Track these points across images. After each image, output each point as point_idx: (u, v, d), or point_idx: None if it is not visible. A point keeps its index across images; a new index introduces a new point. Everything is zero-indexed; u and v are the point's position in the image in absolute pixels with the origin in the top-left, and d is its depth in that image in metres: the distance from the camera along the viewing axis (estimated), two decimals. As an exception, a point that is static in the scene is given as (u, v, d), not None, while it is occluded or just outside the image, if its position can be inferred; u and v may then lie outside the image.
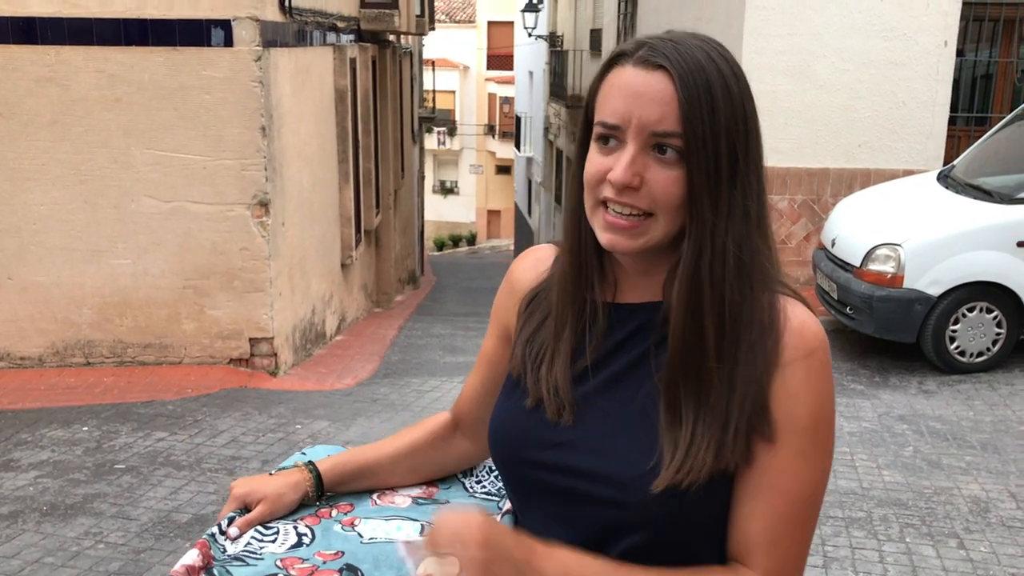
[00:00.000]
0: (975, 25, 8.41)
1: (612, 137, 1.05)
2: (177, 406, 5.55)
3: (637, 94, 1.02)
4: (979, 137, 7.52)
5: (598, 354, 1.13)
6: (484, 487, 1.39)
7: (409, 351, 8.31)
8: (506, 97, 34.98)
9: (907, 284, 5.91)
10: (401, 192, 13.32)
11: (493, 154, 36.90)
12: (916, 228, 6.09)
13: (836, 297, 6.39)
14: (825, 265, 6.64)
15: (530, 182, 26.44)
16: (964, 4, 7.87)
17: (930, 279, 5.89)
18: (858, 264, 6.14)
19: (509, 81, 33.41)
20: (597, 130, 1.06)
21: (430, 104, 25.28)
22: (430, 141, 31.79)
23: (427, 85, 22.82)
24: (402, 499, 1.34)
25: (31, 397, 5.76)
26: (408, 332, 9.54)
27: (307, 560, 1.18)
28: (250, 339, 6.39)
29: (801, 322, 1.07)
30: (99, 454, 4.72)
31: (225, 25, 5.97)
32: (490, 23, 36.07)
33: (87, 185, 6.17)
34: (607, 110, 1.05)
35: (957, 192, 6.45)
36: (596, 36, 16.15)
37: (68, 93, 6.05)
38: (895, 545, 3.70)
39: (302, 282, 7.21)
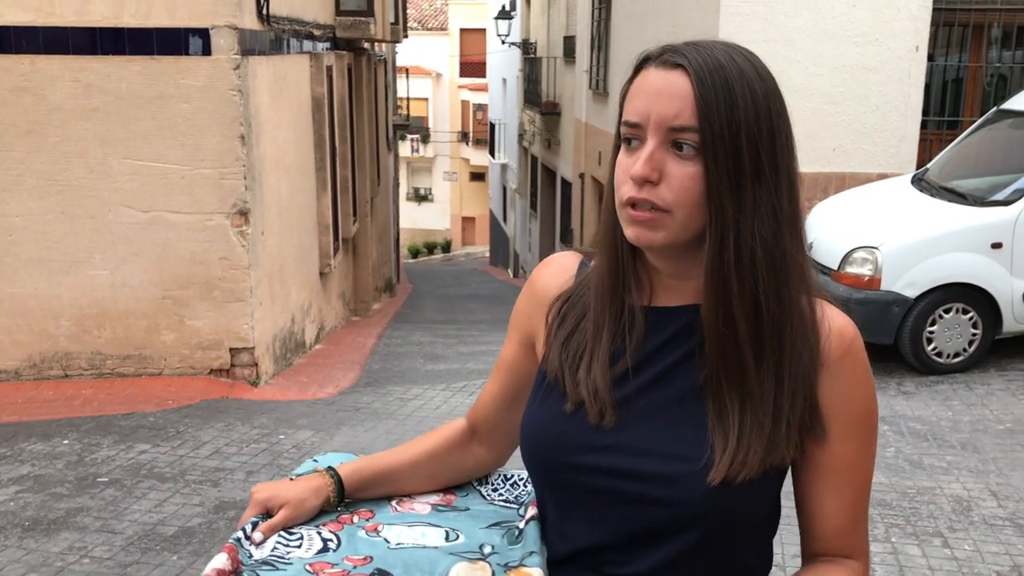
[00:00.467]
0: (945, 30, 8.54)
1: (635, 137, 1.07)
2: (158, 418, 5.50)
3: (656, 92, 1.05)
4: (951, 140, 7.63)
5: (638, 357, 1.14)
6: (501, 495, 1.38)
7: (389, 359, 8.29)
8: (479, 104, 35.01)
9: (884, 286, 5.98)
10: (377, 200, 13.30)
11: (467, 161, 36.92)
12: (893, 231, 6.17)
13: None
14: (803, 268, 6.70)
15: (505, 189, 26.48)
16: (934, 10, 7.99)
17: (907, 281, 5.97)
18: (836, 267, 6.20)
19: (482, 88, 33.46)
20: (622, 132, 1.09)
21: (404, 112, 25.25)
22: (404, 148, 31.76)
23: (400, 92, 22.81)
24: (421, 506, 1.34)
25: (8, 411, 5.68)
26: (387, 340, 9.52)
27: (337, 565, 1.17)
28: (230, 349, 6.35)
29: (841, 323, 1.11)
30: (81, 467, 4.67)
31: (203, 34, 5.94)
32: (462, 30, 36.12)
33: (64, 195, 6.11)
34: (629, 110, 1.08)
35: (932, 195, 6.54)
36: (570, 43, 16.22)
37: (44, 103, 5.99)
38: (881, 545, 3.74)
39: (282, 291, 7.18)
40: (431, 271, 24.37)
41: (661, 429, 1.10)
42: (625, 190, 1.07)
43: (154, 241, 6.19)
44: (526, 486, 1.40)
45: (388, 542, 1.22)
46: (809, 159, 8.12)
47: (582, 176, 14.65)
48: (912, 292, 5.96)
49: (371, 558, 1.19)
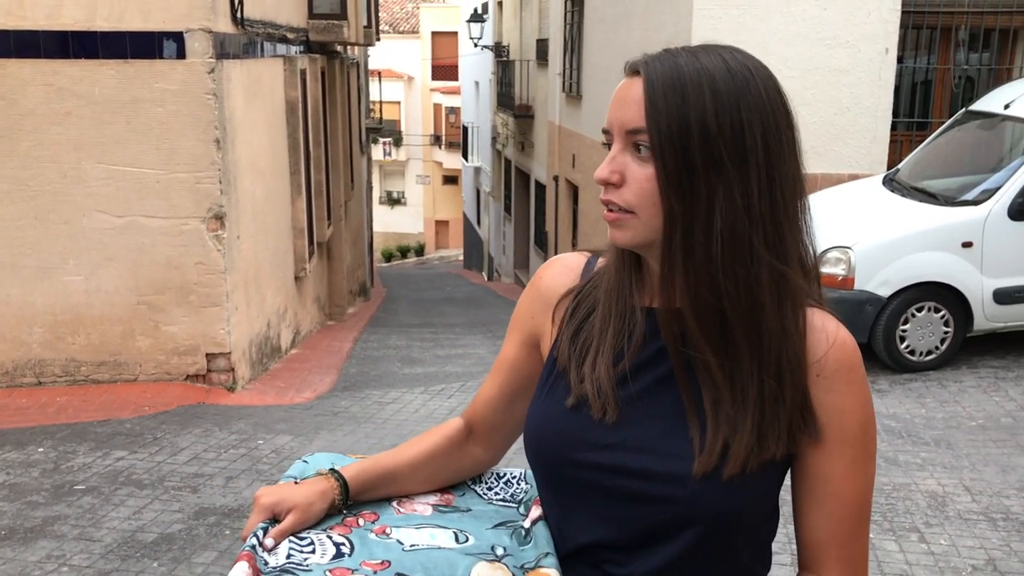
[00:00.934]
0: (914, 33, 8.65)
1: (607, 143, 1.12)
2: (135, 424, 5.46)
3: (620, 98, 1.10)
4: (921, 141, 7.74)
5: (639, 359, 1.15)
6: (498, 494, 1.38)
7: (366, 363, 8.27)
8: (451, 107, 35.01)
9: (858, 285, 6.05)
10: (351, 203, 13.26)
11: (440, 164, 36.89)
12: (865, 231, 6.25)
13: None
14: (777, 269, 6.76)
15: (479, 192, 26.48)
16: (903, 12, 8.10)
17: (880, 280, 6.05)
18: (810, 267, 6.26)
19: (454, 91, 33.45)
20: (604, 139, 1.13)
21: (377, 115, 25.19)
22: (376, 152, 31.66)
23: (373, 96, 22.75)
24: (422, 507, 1.33)
25: (-19, 419, 5.61)
26: (363, 344, 9.49)
27: (356, 571, 1.16)
28: (207, 354, 6.31)
29: (843, 336, 1.12)
30: (57, 475, 4.62)
31: (177, 37, 5.91)
32: (434, 33, 36.09)
33: (36, 201, 6.05)
34: (606, 118, 1.12)
35: (903, 195, 6.63)
36: (542, 46, 16.26)
37: (15, 107, 5.93)
38: (859, 541, 3.79)
39: (257, 296, 7.14)
40: (405, 275, 24.33)
41: (663, 427, 1.12)
42: (601, 192, 1.12)
43: (129, 246, 6.14)
44: (520, 484, 1.40)
45: (402, 544, 1.22)
46: (782, 160, 8.19)
47: (556, 179, 14.68)
48: (885, 291, 6.04)
49: (389, 562, 1.18)
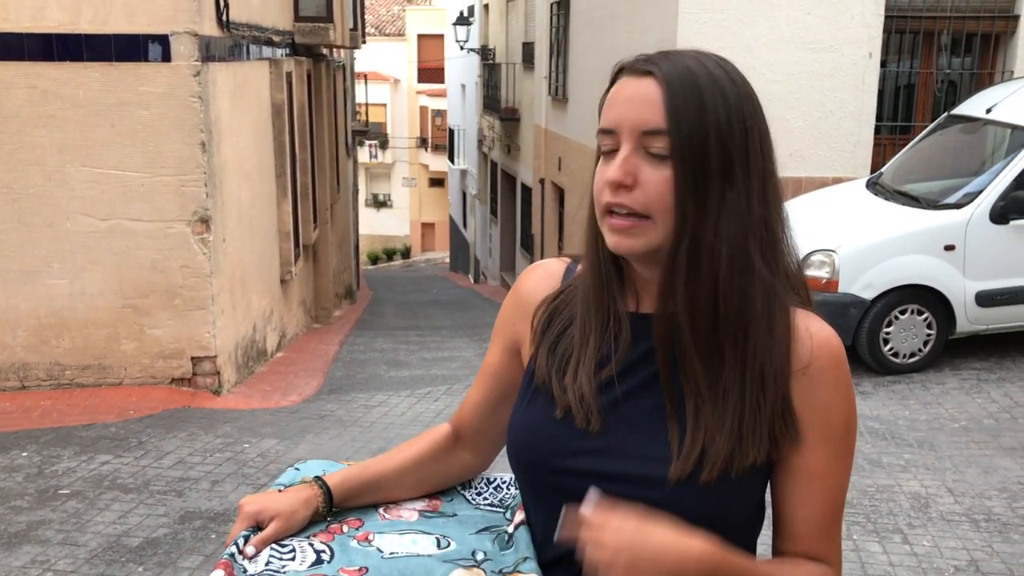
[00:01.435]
0: (897, 37, 8.71)
1: (611, 145, 1.10)
2: (120, 428, 5.43)
3: (628, 99, 1.08)
4: (904, 145, 7.80)
5: (624, 364, 1.15)
6: (486, 499, 1.39)
7: (352, 366, 8.26)
8: (438, 110, 35.00)
9: (842, 288, 6.09)
10: (337, 206, 13.24)
11: (426, 167, 36.87)
12: (849, 234, 6.29)
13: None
14: (762, 272, 6.80)
15: (465, 194, 26.48)
16: (886, 17, 8.16)
17: (864, 283, 6.09)
18: (794, 270, 6.30)
19: (440, 94, 33.44)
20: (599, 140, 1.12)
21: (363, 117, 25.16)
22: (362, 154, 31.61)
23: (359, 98, 22.72)
24: (409, 512, 1.34)
25: (-36, 423, 5.58)
26: (350, 347, 9.48)
27: None
28: (192, 358, 6.29)
29: (827, 334, 1.14)
30: (41, 480, 4.60)
31: (163, 40, 5.89)
32: (420, 36, 36.08)
33: (20, 204, 6.02)
34: (604, 118, 1.11)
35: (886, 199, 6.68)
36: (529, 49, 16.29)
37: (-2, 110, 5.90)
38: (843, 543, 3.80)
39: (243, 299, 7.13)
40: (391, 277, 24.31)
41: (647, 432, 1.13)
42: (604, 197, 1.09)
43: (113, 249, 6.11)
44: (509, 489, 1.41)
45: (381, 552, 1.22)
46: (766, 164, 8.23)
47: (542, 182, 14.70)
48: (869, 294, 6.08)
49: (366, 568, 1.18)
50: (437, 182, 36.32)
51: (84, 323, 6.19)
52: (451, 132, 27.83)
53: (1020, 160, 6.09)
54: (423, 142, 37.01)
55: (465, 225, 26.40)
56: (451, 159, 28.03)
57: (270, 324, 8.20)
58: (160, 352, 6.26)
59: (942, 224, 6.15)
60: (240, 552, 1.21)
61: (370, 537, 1.26)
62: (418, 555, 1.21)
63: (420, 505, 1.36)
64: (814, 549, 1.14)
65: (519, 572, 1.17)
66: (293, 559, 1.21)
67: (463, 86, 25.78)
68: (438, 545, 1.24)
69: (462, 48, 22.14)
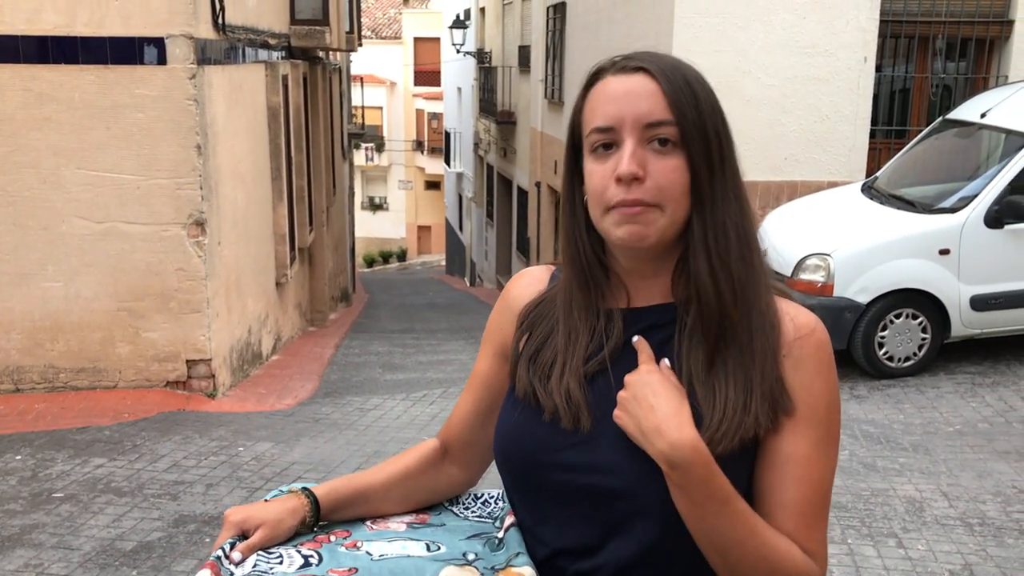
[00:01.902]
0: (892, 42, 8.73)
1: (609, 142, 1.11)
2: (114, 431, 5.42)
3: (625, 94, 1.10)
4: (899, 149, 7.81)
5: (617, 358, 1.16)
6: (475, 512, 1.38)
7: (348, 369, 8.25)
8: (434, 113, 34.99)
9: (837, 292, 6.10)
10: (333, 209, 13.23)
11: (422, 170, 36.86)
12: (844, 238, 6.30)
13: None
14: (758, 275, 6.81)
15: (461, 197, 26.48)
16: (881, 22, 8.18)
17: (859, 287, 6.10)
18: (789, 274, 6.31)
19: (437, 97, 33.44)
20: (592, 139, 1.12)
21: (359, 120, 25.15)
22: (358, 157, 31.61)
23: (355, 101, 22.72)
24: (397, 524, 1.33)
25: (-42, 426, 5.56)
26: (345, 350, 9.47)
27: None
28: (187, 361, 6.28)
29: (806, 317, 1.15)
30: (35, 483, 4.58)
31: (158, 43, 5.89)
32: (416, 39, 36.08)
33: (15, 207, 6.01)
34: (598, 116, 1.12)
35: (881, 203, 6.69)
36: (524, 53, 16.30)
37: (-7, 112, 5.89)
38: (838, 547, 3.81)
39: (238, 302, 7.12)
40: (387, 280, 24.29)
41: None
42: (612, 193, 1.10)
43: (109, 252, 6.10)
44: (498, 503, 1.39)
45: (371, 555, 1.21)
46: (761, 168, 8.26)
47: (538, 185, 14.71)
48: (864, 298, 6.09)
49: (356, 569, 1.18)
50: (433, 185, 36.31)
51: (79, 326, 6.18)
52: (447, 135, 27.82)
53: (1015, 164, 6.10)
54: (419, 145, 37.01)
55: (461, 228, 26.39)
56: (447, 162, 28.03)
57: (265, 327, 8.19)
58: (155, 355, 6.25)
59: (937, 228, 6.16)
60: (226, 557, 1.20)
61: (359, 544, 1.25)
62: (408, 555, 1.21)
63: (408, 519, 1.35)
64: (795, 539, 1.11)
65: (512, 566, 1.16)
66: (281, 563, 1.20)
67: (459, 89, 25.79)
68: (427, 549, 1.23)
69: (458, 51, 22.15)
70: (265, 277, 8.28)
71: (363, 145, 33.68)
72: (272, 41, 8.76)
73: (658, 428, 1.05)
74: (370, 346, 9.89)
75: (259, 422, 5.85)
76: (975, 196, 6.17)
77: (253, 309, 7.68)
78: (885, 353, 6.20)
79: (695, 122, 1.08)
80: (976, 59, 8.80)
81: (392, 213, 38.03)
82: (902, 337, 6.20)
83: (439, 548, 1.24)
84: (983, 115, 6.72)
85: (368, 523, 1.33)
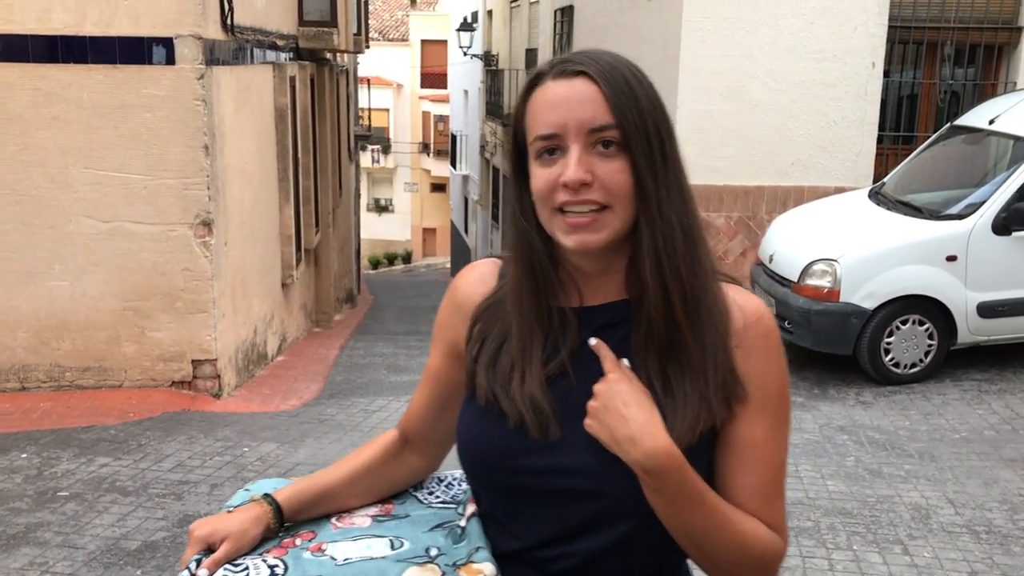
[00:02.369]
0: (900, 47, 8.73)
1: (554, 148, 1.12)
2: (119, 431, 5.43)
3: (566, 100, 1.11)
4: (906, 155, 7.80)
5: (574, 358, 1.18)
6: (438, 497, 1.40)
7: (353, 371, 8.25)
8: (440, 115, 35.00)
9: (843, 298, 6.09)
10: (339, 211, 13.24)
11: (428, 172, 36.87)
12: (851, 244, 6.29)
13: (775, 312, 6.55)
14: (763, 280, 6.81)
15: (466, 200, 26.48)
16: (890, 27, 8.17)
17: (865, 293, 6.08)
18: (796, 279, 6.31)
19: (443, 99, 33.46)
20: (537, 146, 1.13)
21: (365, 122, 25.18)
22: (364, 159, 31.63)
23: (362, 103, 22.74)
24: (362, 519, 1.34)
25: (-36, 424, 5.57)
26: (350, 352, 9.47)
27: None
28: (193, 361, 6.28)
29: (754, 304, 1.18)
30: (40, 481, 4.59)
31: (167, 43, 5.90)
32: (423, 41, 36.12)
33: (22, 205, 6.02)
34: (541, 124, 1.12)
35: (888, 209, 6.68)
36: (532, 55, 16.31)
37: (2, 111, 5.90)
38: (843, 553, 3.81)
39: (244, 303, 7.12)
40: (392, 282, 24.28)
41: None
42: (558, 197, 1.11)
43: (115, 251, 6.11)
44: (460, 485, 1.42)
45: (335, 559, 1.23)
46: (768, 172, 8.25)
47: (544, 188, 14.69)
48: (870, 304, 6.08)
49: None
50: (439, 187, 36.32)
51: (85, 325, 6.19)
52: (453, 137, 27.83)
53: (1023, 171, 6.08)
54: (425, 147, 37.03)
55: (466, 230, 26.40)
56: (453, 164, 28.04)
57: (271, 328, 8.19)
58: (160, 355, 6.26)
59: (944, 235, 6.15)
60: (193, 575, 1.22)
61: (323, 547, 1.26)
62: (372, 558, 1.22)
63: (373, 511, 1.37)
64: (759, 517, 1.15)
65: (472, 562, 1.18)
66: (247, 574, 1.22)
67: (466, 92, 25.79)
68: (392, 546, 1.25)
69: (465, 54, 22.16)
70: (271, 278, 8.29)
71: (369, 147, 33.71)
72: (280, 42, 8.77)
73: (631, 438, 1.07)
74: (375, 348, 9.88)
75: (264, 423, 5.85)
76: (983, 203, 6.15)
77: (259, 310, 7.69)
78: (891, 359, 6.19)
79: (636, 123, 1.10)
80: (984, 65, 8.79)
81: (398, 215, 38.05)
82: (908, 343, 6.18)
83: (403, 544, 1.26)
84: (991, 121, 6.71)
85: (334, 520, 1.34)
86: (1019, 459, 4.89)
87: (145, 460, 4.92)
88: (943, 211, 6.36)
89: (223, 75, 6.48)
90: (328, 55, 11.68)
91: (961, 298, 6.09)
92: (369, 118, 27.48)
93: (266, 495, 1.33)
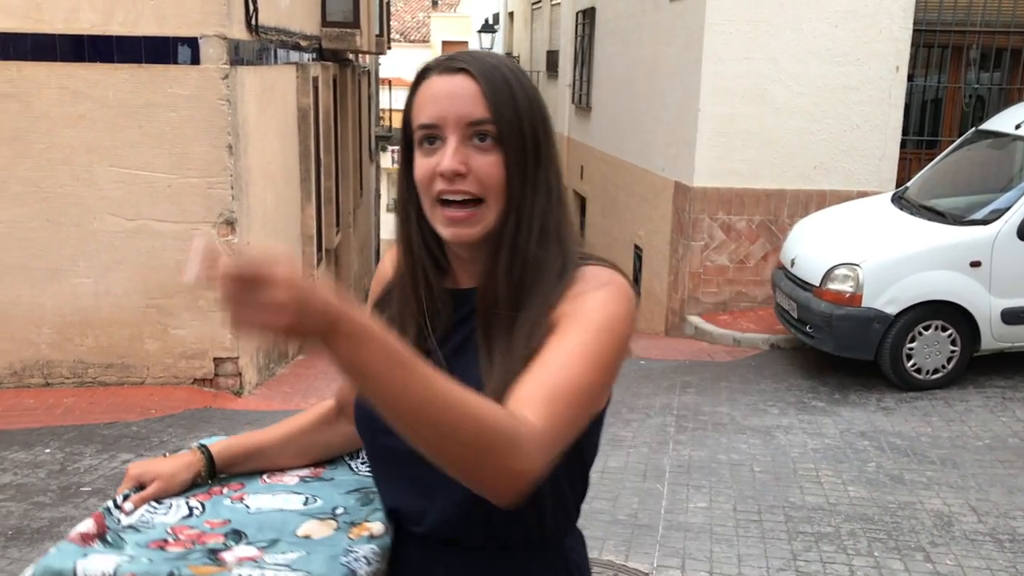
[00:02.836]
0: (925, 51, 8.67)
1: (434, 137, 1.18)
2: (141, 427, 5.47)
3: (447, 94, 1.17)
4: (930, 160, 7.74)
5: (441, 336, 1.25)
6: (367, 466, 1.46)
7: (372, 370, 8.26)
8: (460, 116, 35.03)
9: (865, 303, 6.05)
10: (359, 211, 13.29)
11: (447, 173, 36.90)
12: (874, 248, 6.25)
13: (796, 316, 6.52)
14: (785, 284, 6.77)
15: (485, 201, 26.48)
16: (915, 31, 8.11)
17: (887, 298, 6.04)
18: (817, 283, 6.27)
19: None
20: (419, 135, 1.19)
21: (386, 123, 25.24)
22: (385, 160, 31.71)
23: (383, 104, 22.80)
24: (291, 478, 1.42)
25: (-11, 419, 5.64)
26: (369, 351, 9.48)
27: (195, 527, 1.28)
28: (214, 359, 6.33)
29: (598, 272, 1.20)
30: (63, 476, 4.63)
31: (192, 43, 5.94)
32: (444, 43, 36.15)
33: (48, 203, 6.08)
34: (423, 115, 1.18)
35: (911, 213, 6.63)
36: (553, 58, 16.31)
37: (30, 109, 5.97)
38: (864, 559, 3.78)
39: (266, 301, 7.15)
40: (411, 282, 24.31)
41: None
42: (436, 186, 1.17)
43: (139, 249, 6.17)
44: None
45: (248, 508, 1.32)
46: (790, 176, 8.21)
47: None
48: (892, 309, 6.03)
49: (229, 520, 1.28)
50: (458, 188, 36.34)
51: (108, 322, 6.24)
52: (473, 139, 27.83)
53: (1049, 177, 6.03)
54: (445, 148, 37.05)
55: (485, 232, 26.39)
56: (473, 166, 28.05)
57: (291, 327, 8.22)
58: (183, 352, 6.30)
59: (968, 240, 6.10)
60: (118, 507, 1.31)
61: (244, 497, 1.35)
62: (281, 510, 1.31)
63: (304, 472, 1.45)
64: (528, 408, 1.03)
65: (367, 522, 1.27)
66: (166, 513, 1.31)
67: (486, 93, 25.77)
68: (305, 503, 1.34)
69: (486, 55, 22.17)
70: (292, 277, 8.32)
71: (390, 147, 33.78)
72: (303, 43, 8.82)
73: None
74: (394, 348, 9.90)
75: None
76: (1008, 208, 6.09)
77: (280, 309, 7.72)
78: (913, 365, 6.14)
79: (512, 121, 1.15)
80: (1011, 69, 8.71)
81: (417, 216, 38.08)
82: (931, 349, 6.13)
83: (316, 502, 1.34)
84: (1017, 126, 6.64)
85: (264, 477, 1.43)
86: (1043, 467, 4.84)
87: (167, 457, 4.95)
88: (967, 216, 6.31)
89: (247, 75, 6.52)
90: (350, 56, 11.73)
91: (985, 304, 6.04)
92: (390, 119, 27.53)
93: (201, 445, 1.41)
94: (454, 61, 1.19)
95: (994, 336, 6.11)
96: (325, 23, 9.92)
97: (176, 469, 1.37)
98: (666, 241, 8.91)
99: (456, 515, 1.19)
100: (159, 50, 5.95)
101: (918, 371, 6.15)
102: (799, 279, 6.57)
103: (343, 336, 0.91)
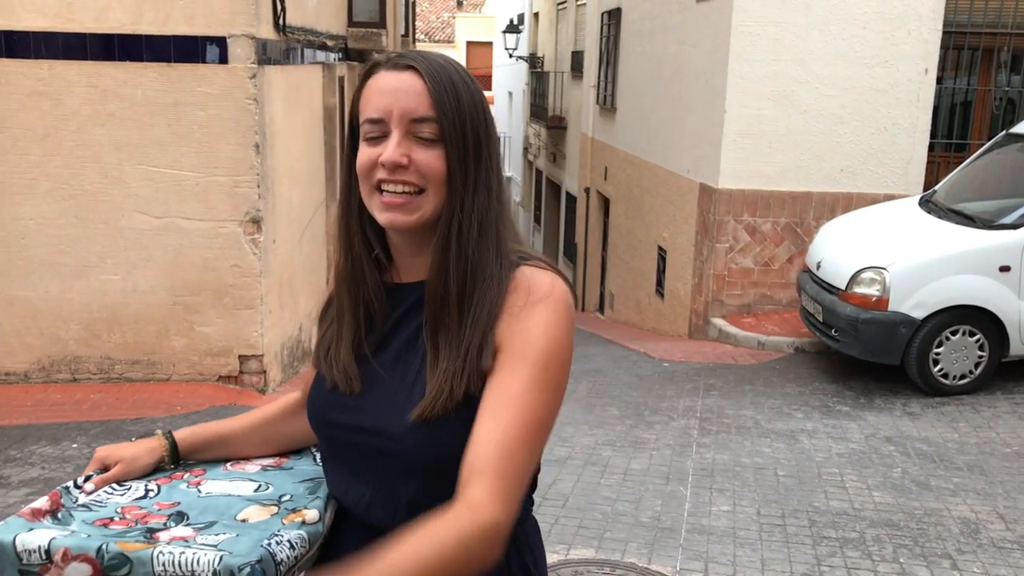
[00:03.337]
0: (954, 53, 8.59)
1: (378, 132, 1.21)
2: (167, 423, 5.51)
3: (393, 90, 1.21)
4: (958, 163, 7.67)
5: (382, 332, 1.29)
6: None
7: (395, 369, 8.29)
8: (484, 116, 35.06)
9: (892, 307, 6.00)
10: (383, 210, 13.32)
11: (471, 173, 36.94)
12: (901, 252, 6.20)
13: (821, 319, 6.47)
14: (810, 287, 6.73)
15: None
16: (944, 33, 8.04)
17: (914, 302, 5.99)
18: (844, 287, 6.23)
19: (488, 101, 33.52)
20: (365, 128, 1.23)
21: (410, 122, 25.28)
22: (408, 159, 31.77)
23: (407, 103, 22.82)
24: (252, 466, 1.46)
25: (17, 413, 5.70)
26: (392, 350, 9.52)
27: (144, 508, 1.31)
28: (240, 356, 6.37)
29: (539, 278, 1.22)
30: (90, 471, 4.68)
31: (220, 42, 5.99)
32: (469, 43, 36.22)
33: (77, 200, 6.14)
34: (369, 108, 1.22)
35: (939, 217, 6.57)
36: (577, 58, 16.29)
37: (60, 107, 6.04)
38: (889, 566, 3.75)
39: (291, 299, 7.20)
40: (434, 282, 24.37)
41: (397, 392, 1.24)
42: (377, 175, 1.21)
43: (166, 247, 6.22)
44: None
45: (200, 492, 1.36)
46: (816, 179, 8.16)
47: (587, 190, 14.69)
48: (919, 313, 5.98)
49: (178, 503, 1.32)
50: (481, 188, 36.39)
51: (135, 319, 6.30)
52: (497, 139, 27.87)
53: (1080, 181, 5.95)
54: (469, 148, 37.11)
55: (508, 232, 26.39)
56: (496, 166, 28.07)
57: (315, 325, 8.26)
58: (208, 349, 6.35)
59: (997, 244, 6.03)
60: (78, 487, 1.35)
61: (201, 483, 1.39)
62: (228, 495, 1.34)
63: (267, 462, 1.48)
64: (481, 471, 1.11)
65: (305, 509, 1.30)
66: (123, 495, 1.35)
67: (510, 93, 25.84)
68: (256, 489, 1.37)
69: (511, 56, 22.20)
70: (316, 276, 8.37)
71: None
72: (330, 43, 8.85)
73: None
74: (417, 347, 9.93)
75: (308, 419, 5.91)
76: (1038, 213, 6.03)
77: (304, 307, 7.77)
78: (940, 370, 6.08)
79: (455, 120, 1.19)
80: (1041, 73, 8.61)
81: (440, 215, 38.18)
82: (958, 354, 6.08)
83: (267, 489, 1.37)
84: (1048, 130, 6.57)
85: (227, 464, 1.46)
86: (1072, 475, 4.78)
87: (192, 453, 4.99)
88: (996, 220, 6.24)
89: (274, 74, 6.56)
90: (376, 56, 11.77)
91: (1014, 309, 5.97)
92: (414, 119, 27.66)
93: (168, 432, 1.46)
94: (403, 59, 1.22)
95: (1023, 342, 6.04)
96: (351, 23, 9.95)
97: (139, 453, 1.42)
98: (690, 243, 8.88)
99: (405, 510, 1.22)
100: (188, 49, 5.99)
101: (945, 376, 6.10)
102: (825, 282, 6.52)
103: None
